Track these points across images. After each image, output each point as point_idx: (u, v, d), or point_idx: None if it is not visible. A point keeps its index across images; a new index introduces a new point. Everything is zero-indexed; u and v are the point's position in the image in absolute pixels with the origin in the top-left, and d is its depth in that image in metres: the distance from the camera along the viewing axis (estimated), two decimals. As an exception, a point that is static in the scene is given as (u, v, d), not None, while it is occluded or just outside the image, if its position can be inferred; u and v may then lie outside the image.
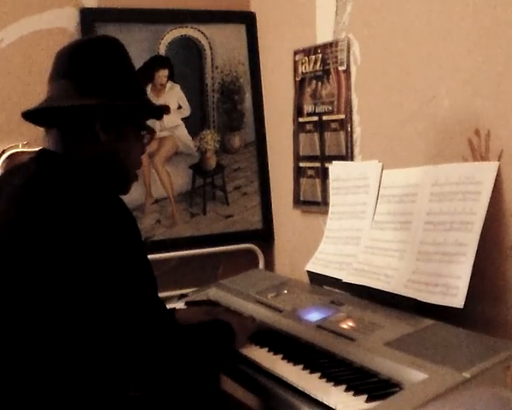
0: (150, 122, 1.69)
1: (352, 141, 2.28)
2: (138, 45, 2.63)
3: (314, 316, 1.81)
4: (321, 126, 2.44)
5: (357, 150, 2.26)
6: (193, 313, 1.92)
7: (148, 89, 2.65)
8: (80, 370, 1.38)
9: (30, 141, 2.38)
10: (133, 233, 1.43)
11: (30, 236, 1.36)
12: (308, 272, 2.21)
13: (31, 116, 1.57)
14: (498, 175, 1.68)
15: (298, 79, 2.56)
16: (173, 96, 2.73)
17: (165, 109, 1.70)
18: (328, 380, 1.45)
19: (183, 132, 2.76)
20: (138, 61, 2.61)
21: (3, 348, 1.37)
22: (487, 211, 1.65)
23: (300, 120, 2.56)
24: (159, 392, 1.50)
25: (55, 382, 1.36)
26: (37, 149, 1.56)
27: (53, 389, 1.36)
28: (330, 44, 2.35)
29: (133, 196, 2.63)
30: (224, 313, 1.88)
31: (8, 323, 1.37)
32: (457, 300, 1.62)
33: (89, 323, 1.38)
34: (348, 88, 2.27)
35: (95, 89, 1.49)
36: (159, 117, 1.75)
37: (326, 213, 2.27)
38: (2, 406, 1.37)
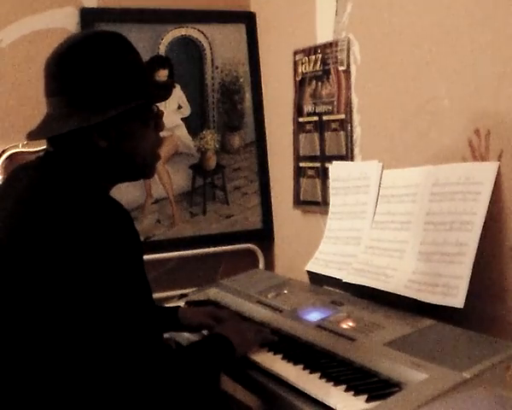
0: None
1: (352, 141, 2.28)
2: (138, 45, 2.61)
3: (314, 316, 1.81)
4: (321, 126, 2.44)
5: (357, 150, 2.26)
6: (196, 314, 1.90)
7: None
8: (72, 377, 1.34)
9: (30, 141, 2.38)
10: (132, 247, 1.38)
11: (28, 242, 1.34)
12: (308, 272, 2.21)
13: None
14: (498, 175, 1.68)
15: (298, 79, 2.56)
16: (173, 96, 2.72)
17: (169, 87, 1.62)
18: (328, 380, 1.45)
19: (183, 132, 2.76)
20: (138, 61, 2.61)
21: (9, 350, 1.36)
22: (487, 211, 1.65)
23: (300, 120, 2.56)
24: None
25: (47, 387, 1.34)
26: (43, 148, 1.52)
27: (45, 394, 1.34)
28: (330, 44, 2.35)
29: (133, 196, 2.64)
30: (228, 324, 1.77)
31: (5, 325, 1.36)
32: (457, 300, 1.62)
33: (77, 332, 1.33)
34: (348, 88, 2.27)
35: (85, 102, 1.41)
36: (165, 97, 1.63)
37: (326, 213, 2.27)
38: None
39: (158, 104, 1.56)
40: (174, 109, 2.74)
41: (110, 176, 1.50)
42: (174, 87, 1.62)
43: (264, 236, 2.86)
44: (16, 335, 1.34)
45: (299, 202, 2.61)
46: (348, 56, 2.27)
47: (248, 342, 1.67)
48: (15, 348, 1.34)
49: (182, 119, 2.76)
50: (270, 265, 2.83)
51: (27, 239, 1.35)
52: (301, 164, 2.57)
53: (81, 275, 1.31)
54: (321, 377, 1.47)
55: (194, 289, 2.38)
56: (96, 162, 1.46)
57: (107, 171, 1.48)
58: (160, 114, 1.57)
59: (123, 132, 1.46)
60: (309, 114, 2.51)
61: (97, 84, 1.43)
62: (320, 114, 2.44)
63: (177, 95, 2.74)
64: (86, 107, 1.42)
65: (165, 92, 1.62)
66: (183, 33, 2.77)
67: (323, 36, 2.40)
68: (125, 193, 2.53)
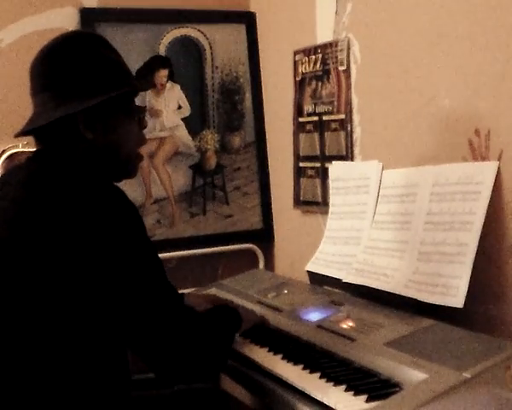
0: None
1: (351, 141, 2.28)
2: (138, 45, 2.63)
3: (314, 316, 1.81)
4: (321, 126, 2.44)
5: (357, 150, 2.26)
6: (199, 300, 1.95)
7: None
8: (86, 367, 1.39)
9: (30, 141, 2.37)
10: (136, 224, 1.44)
11: (33, 233, 1.37)
12: (308, 272, 2.21)
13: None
14: (498, 175, 1.68)
15: (298, 79, 2.56)
16: (173, 96, 2.73)
17: (146, 84, 1.69)
18: (328, 380, 1.45)
19: (183, 132, 2.76)
20: (138, 61, 2.61)
21: (11, 346, 1.38)
22: (487, 211, 1.65)
23: (300, 120, 2.56)
24: (174, 376, 1.51)
25: (60, 379, 1.37)
26: (33, 150, 1.57)
27: (57, 388, 1.37)
28: (330, 44, 2.35)
29: (133, 196, 2.62)
30: (232, 303, 1.91)
31: (16, 321, 1.37)
32: (457, 300, 1.62)
33: (98, 317, 1.38)
34: (348, 88, 2.27)
35: (70, 94, 1.47)
36: (145, 88, 1.72)
37: (326, 213, 2.27)
38: (7, 404, 1.38)
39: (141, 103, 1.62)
40: (174, 109, 2.73)
41: (96, 172, 1.51)
42: (153, 82, 1.70)
43: (264, 236, 2.86)
44: (30, 314, 1.36)
45: (299, 202, 2.61)
46: (348, 56, 2.27)
47: (253, 316, 1.80)
48: (32, 330, 1.37)
49: (182, 119, 2.76)
50: (270, 265, 2.83)
51: (39, 230, 1.37)
52: (301, 164, 2.57)
53: (102, 255, 1.36)
54: (321, 377, 1.48)
55: (194, 289, 2.38)
56: (84, 156, 1.50)
57: (94, 166, 1.51)
58: (142, 110, 1.64)
59: (108, 125, 1.52)
60: (309, 114, 2.51)
61: (80, 77, 1.49)
62: (320, 114, 2.44)
63: (177, 95, 2.74)
64: (71, 98, 1.47)
65: (145, 83, 1.71)
66: (183, 33, 2.77)
67: (323, 36, 2.40)
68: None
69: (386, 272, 1.86)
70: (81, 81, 1.48)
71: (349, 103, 2.27)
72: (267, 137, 2.87)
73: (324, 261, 2.15)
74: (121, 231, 1.39)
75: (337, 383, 1.43)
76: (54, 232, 1.36)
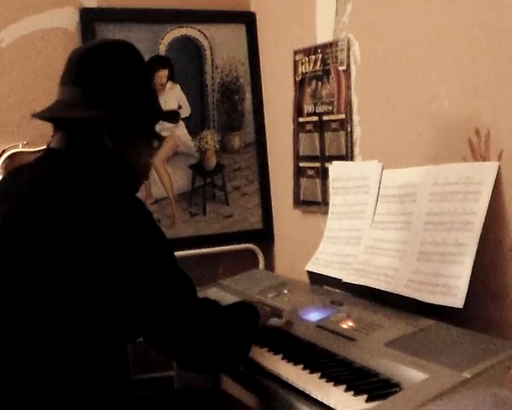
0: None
1: (352, 141, 2.28)
2: (138, 45, 2.60)
3: (314, 316, 1.81)
4: (321, 126, 2.44)
5: (357, 150, 2.26)
6: None
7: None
8: (87, 367, 1.39)
9: (30, 141, 2.38)
10: (149, 222, 1.45)
11: (43, 233, 1.37)
12: (308, 272, 2.21)
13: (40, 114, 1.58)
14: (498, 175, 1.68)
15: (298, 79, 2.56)
16: (173, 96, 2.73)
17: (173, 117, 1.73)
18: (328, 380, 1.45)
19: (183, 132, 2.76)
20: (138, 61, 2.61)
21: (13, 344, 1.39)
22: (487, 211, 1.65)
23: (300, 120, 2.56)
24: (198, 365, 1.53)
25: (61, 379, 1.37)
26: (42, 148, 1.57)
27: (58, 387, 1.38)
28: (330, 44, 2.35)
29: (133, 196, 2.63)
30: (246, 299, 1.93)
31: (20, 321, 1.38)
32: (457, 300, 1.62)
33: (102, 317, 1.38)
34: (348, 88, 2.27)
35: (103, 99, 1.49)
36: (171, 121, 1.79)
37: (326, 213, 2.27)
38: (7, 403, 1.38)
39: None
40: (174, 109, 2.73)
41: (106, 179, 1.52)
42: (179, 117, 1.75)
43: (264, 236, 2.86)
44: (41, 317, 1.37)
45: (299, 202, 2.61)
46: (348, 56, 2.27)
47: (267, 312, 1.80)
48: (44, 330, 1.37)
49: (182, 119, 2.76)
50: (270, 265, 2.83)
51: (51, 228, 1.37)
52: (301, 164, 2.57)
53: (115, 254, 1.37)
54: (321, 377, 1.48)
55: (194, 289, 2.38)
56: (97, 162, 1.50)
57: (105, 173, 1.51)
58: (161, 138, 1.67)
59: (129, 140, 1.54)
60: (309, 114, 2.51)
61: (116, 87, 1.51)
62: (320, 114, 2.44)
63: (177, 95, 2.74)
64: (103, 104, 1.48)
65: (175, 117, 1.76)
66: (183, 33, 2.77)
67: (323, 36, 2.40)
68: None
69: (387, 272, 1.86)
70: (116, 91, 1.50)
71: (349, 103, 2.27)
72: (267, 137, 2.87)
73: (324, 261, 2.15)
74: (134, 228, 1.40)
75: (337, 383, 1.43)
76: (66, 230, 1.36)
